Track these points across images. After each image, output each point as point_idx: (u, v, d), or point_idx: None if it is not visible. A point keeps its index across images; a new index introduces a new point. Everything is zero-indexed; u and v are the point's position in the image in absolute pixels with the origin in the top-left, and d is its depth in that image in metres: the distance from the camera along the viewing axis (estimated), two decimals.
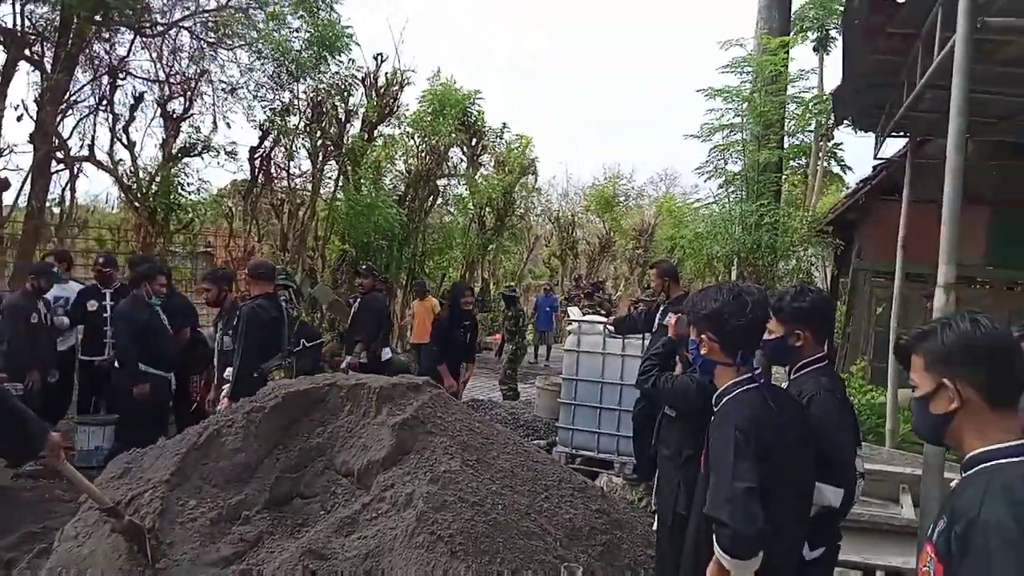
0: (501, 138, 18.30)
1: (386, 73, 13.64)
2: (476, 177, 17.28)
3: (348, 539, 3.21)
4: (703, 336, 2.37)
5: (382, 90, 13.61)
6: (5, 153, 9.70)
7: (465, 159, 17.34)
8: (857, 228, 10.25)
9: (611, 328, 6.45)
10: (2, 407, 2.64)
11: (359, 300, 7.82)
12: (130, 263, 6.89)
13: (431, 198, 15.58)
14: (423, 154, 15.21)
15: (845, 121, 8.46)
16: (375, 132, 13.89)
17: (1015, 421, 1.61)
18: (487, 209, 17.57)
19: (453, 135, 15.29)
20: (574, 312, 7.50)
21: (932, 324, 1.71)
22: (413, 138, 15.51)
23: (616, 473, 6.28)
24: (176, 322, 6.15)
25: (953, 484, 1.68)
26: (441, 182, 16.12)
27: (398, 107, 14.17)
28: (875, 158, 8.66)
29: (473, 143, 17.13)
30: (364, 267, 8.31)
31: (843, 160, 23.56)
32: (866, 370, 9.38)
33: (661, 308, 5.75)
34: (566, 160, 66.18)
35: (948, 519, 1.54)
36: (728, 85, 10.34)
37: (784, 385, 2.81)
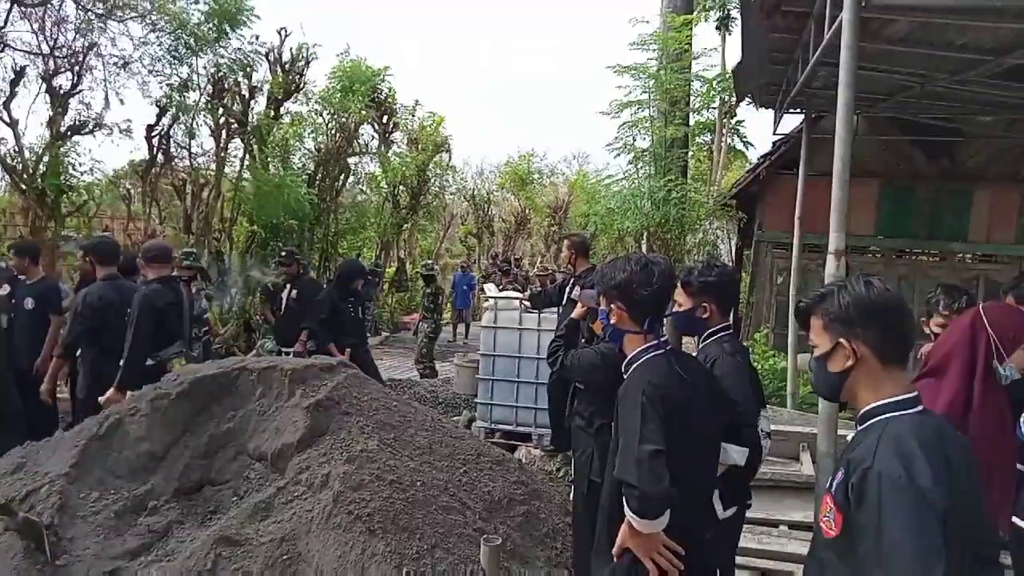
0: (413, 116, 18.07)
1: (291, 48, 13.22)
2: (389, 155, 17.01)
3: (263, 524, 3.15)
4: (612, 305, 2.43)
5: (287, 66, 13.18)
6: None
7: (376, 137, 17.03)
8: (758, 202, 10.65)
9: (527, 303, 6.52)
10: None
11: (295, 287, 7.58)
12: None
13: (342, 176, 15.25)
14: (333, 132, 14.85)
15: (746, 98, 8.76)
16: (281, 109, 13.45)
17: (905, 377, 1.72)
18: (401, 188, 17.33)
19: (363, 112, 14.98)
20: (491, 289, 7.52)
21: (829, 287, 1.80)
22: (322, 116, 15.11)
23: (534, 445, 6.39)
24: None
25: (849, 439, 1.79)
26: (352, 160, 15.81)
27: (304, 84, 13.76)
28: (774, 134, 9.02)
29: (384, 120, 16.83)
30: (285, 253, 8.00)
31: (745, 136, 24.45)
32: (769, 337, 9.83)
33: (571, 282, 5.85)
34: (479, 141, 66.06)
35: (845, 470, 1.64)
36: (636, 62, 10.51)
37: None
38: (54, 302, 5.84)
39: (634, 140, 10.47)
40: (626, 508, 2.13)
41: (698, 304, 2.90)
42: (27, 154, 10.45)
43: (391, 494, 3.18)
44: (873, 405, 1.70)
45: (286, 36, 13.08)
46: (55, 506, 3.04)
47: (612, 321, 2.44)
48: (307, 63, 13.36)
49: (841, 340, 1.72)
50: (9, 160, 10.23)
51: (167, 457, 3.43)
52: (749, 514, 3.17)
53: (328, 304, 6.56)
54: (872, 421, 1.68)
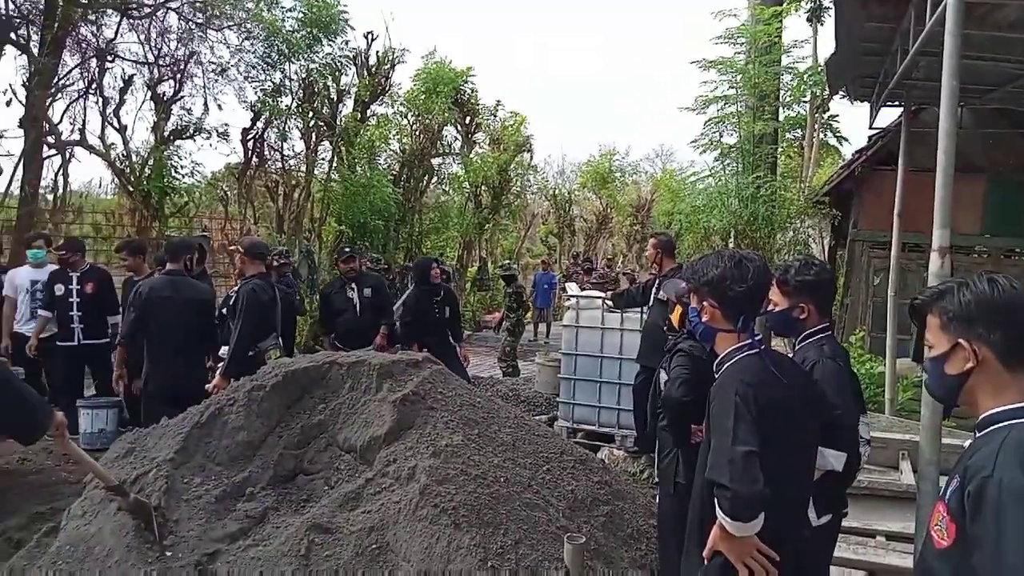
0: (495, 116, 18.21)
1: (377, 52, 13.55)
2: (471, 155, 17.20)
3: (352, 513, 3.23)
4: (704, 303, 2.37)
5: (374, 69, 13.52)
6: None
7: (459, 137, 17.25)
8: (854, 199, 10.24)
9: (609, 303, 6.47)
10: (8, 388, 2.65)
11: (365, 284, 7.29)
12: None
13: (426, 177, 15.54)
14: (417, 133, 15.13)
15: (840, 91, 8.43)
16: (368, 111, 13.81)
17: None
18: (483, 187, 17.50)
19: (447, 113, 15.20)
20: (572, 288, 7.49)
21: (949, 283, 1.69)
22: (406, 117, 15.43)
23: (617, 446, 6.33)
24: None
25: (961, 446, 1.68)
26: (436, 161, 16.07)
27: (390, 86, 14.09)
28: (870, 128, 8.65)
29: (467, 121, 17.03)
30: (347, 250, 7.58)
31: (839, 131, 23.49)
32: (865, 340, 9.43)
33: (656, 281, 5.76)
34: (562, 139, 65.96)
35: (961, 478, 1.54)
36: (722, 56, 10.28)
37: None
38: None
39: (720, 136, 10.24)
40: (718, 510, 2.08)
41: (795, 304, 2.79)
42: (134, 158, 11.09)
43: (476, 489, 3.21)
44: (994, 411, 1.58)
45: (373, 40, 13.43)
46: (162, 489, 3.21)
47: (704, 319, 2.38)
48: (392, 66, 13.68)
49: (960, 341, 1.61)
50: (118, 164, 10.88)
51: (263, 446, 3.56)
52: (845, 523, 3.05)
53: (412, 303, 6.70)
54: (992, 428, 1.57)
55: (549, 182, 25.25)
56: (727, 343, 2.34)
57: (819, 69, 10.61)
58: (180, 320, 5.20)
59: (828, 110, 19.71)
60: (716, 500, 2.09)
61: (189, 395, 4.81)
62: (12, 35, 9.83)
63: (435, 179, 16.49)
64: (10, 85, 10.00)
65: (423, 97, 15.19)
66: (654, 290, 5.65)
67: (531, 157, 19.45)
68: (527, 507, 3.30)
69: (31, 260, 6.83)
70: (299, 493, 3.49)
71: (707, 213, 10.17)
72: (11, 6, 9.87)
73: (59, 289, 6.52)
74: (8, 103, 9.85)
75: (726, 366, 2.31)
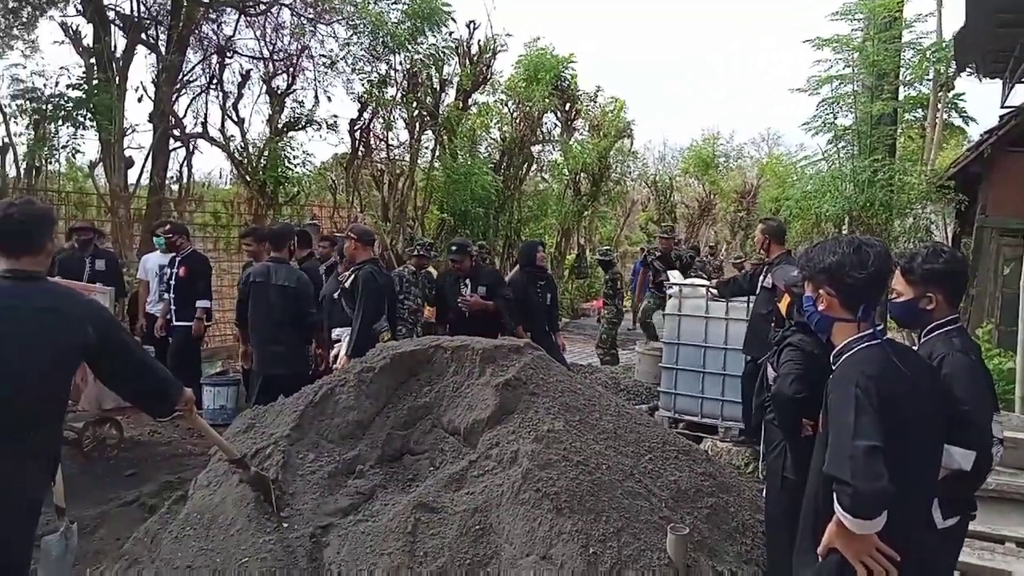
0: (595, 102, 18.03)
1: (479, 41, 13.67)
2: (571, 142, 17.12)
3: (457, 494, 3.31)
4: (820, 291, 2.27)
5: (475, 58, 13.65)
6: (128, 133, 10.34)
7: (559, 124, 17.20)
8: (982, 183, 9.52)
9: (714, 292, 6.31)
10: (143, 365, 2.86)
11: (480, 282, 6.90)
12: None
13: (526, 165, 15.59)
14: (517, 121, 15.19)
15: (968, 68, 7.86)
16: (469, 100, 13.96)
17: None
18: (582, 174, 17.40)
19: (547, 100, 15.17)
20: (675, 276, 7.35)
21: None
22: (507, 105, 15.51)
23: (721, 438, 6.19)
24: None
25: None
26: (536, 148, 16.10)
27: (491, 75, 14.18)
28: (1002, 107, 8.04)
29: (567, 108, 16.95)
30: (453, 248, 6.80)
31: (965, 111, 21.88)
32: (992, 334, 8.79)
33: (764, 269, 5.58)
34: (662, 124, 64.61)
35: None
36: (837, 34, 9.77)
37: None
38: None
39: (834, 117, 9.76)
40: (837, 506, 2.00)
41: (922, 294, 2.60)
42: (251, 149, 11.66)
43: (577, 475, 3.21)
44: None
45: (475, 29, 13.55)
46: (279, 464, 3.38)
47: (820, 308, 2.28)
48: (494, 54, 13.76)
49: None
50: (237, 155, 11.47)
51: (371, 425, 3.69)
52: (971, 527, 2.86)
53: (518, 288, 6.74)
54: None
55: (649, 168, 24.81)
56: (845, 333, 2.24)
57: (944, 44, 9.90)
58: (272, 304, 5.44)
59: (953, 88, 18.45)
60: (835, 496, 2.00)
61: (280, 376, 5.09)
62: (143, 35, 10.52)
63: (534, 166, 16.53)
64: (141, 82, 10.73)
65: (524, 85, 15.23)
66: (761, 278, 5.48)
67: (631, 143, 19.17)
68: (629, 495, 3.28)
69: (159, 246, 7.32)
70: (405, 472, 3.60)
71: (819, 198, 9.71)
72: (142, 8, 10.56)
73: (165, 271, 7.05)
74: (139, 99, 10.57)
75: (844, 357, 2.21)
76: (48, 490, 2.84)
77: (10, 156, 9.80)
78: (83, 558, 3.62)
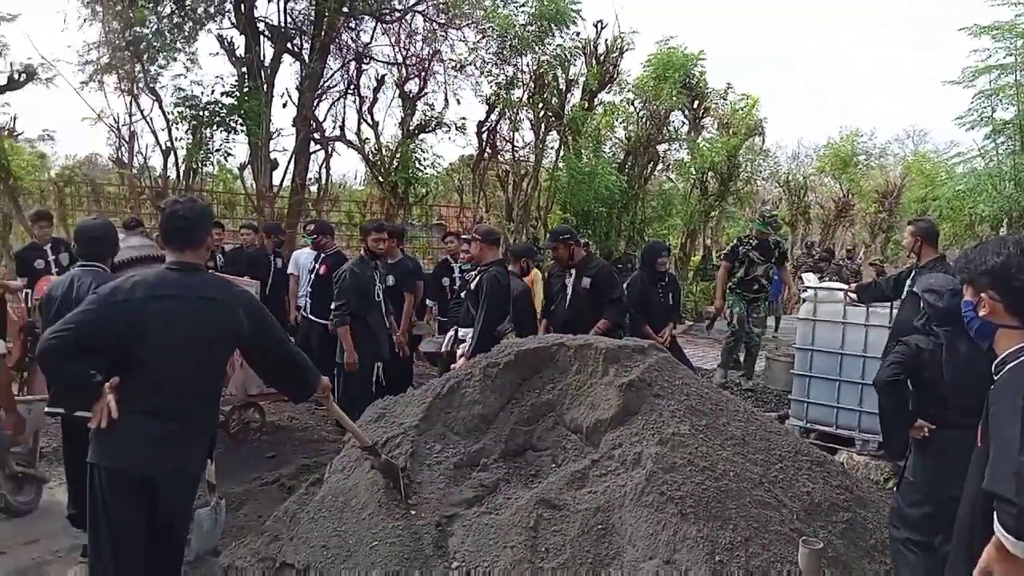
0: (725, 99, 17.47)
1: (606, 40, 13.59)
2: (698, 141, 16.69)
3: (579, 492, 3.31)
4: (983, 295, 2.10)
5: (602, 57, 13.58)
6: (274, 137, 11.05)
7: (687, 122, 16.81)
8: None
9: (853, 296, 5.97)
10: (288, 353, 3.08)
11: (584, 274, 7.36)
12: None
13: (651, 164, 15.35)
14: (643, 120, 14.98)
15: None
16: (595, 100, 13.91)
17: None
18: (710, 174, 16.91)
19: (674, 98, 14.86)
20: (809, 279, 7.00)
21: None
22: (633, 104, 15.33)
23: (858, 450, 5.85)
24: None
25: None
26: (661, 147, 15.81)
27: (618, 73, 14.07)
28: None
29: (695, 106, 16.53)
30: (556, 239, 6.43)
31: None
32: None
33: (912, 273, 5.22)
34: (797, 121, 61.84)
35: None
36: (997, 21, 8.99)
37: None
38: (409, 280, 6.77)
39: (992, 111, 8.99)
40: (997, 526, 1.84)
41: None
42: (384, 151, 12.16)
43: (703, 480, 3.14)
44: None
45: (602, 28, 13.49)
46: (407, 453, 3.51)
47: (981, 314, 2.10)
48: (621, 53, 13.64)
49: None
50: (371, 157, 12.00)
51: (496, 420, 3.75)
52: None
53: (638, 288, 6.64)
54: None
55: (781, 167, 23.78)
56: (1011, 341, 2.05)
57: None
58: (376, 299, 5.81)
59: None
60: (996, 515, 1.84)
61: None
62: (288, 45, 11.21)
63: (660, 166, 16.25)
64: (286, 89, 11.43)
65: (652, 83, 14.99)
66: (909, 282, 5.13)
67: (763, 141, 18.45)
68: (758, 505, 3.17)
69: (309, 243, 7.75)
70: (528, 468, 3.63)
71: (972, 198, 8.98)
72: (288, 19, 11.25)
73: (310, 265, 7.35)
74: (284, 105, 11.29)
75: (1009, 367, 2.03)
76: (205, 465, 3.09)
77: (171, 159, 10.70)
78: (228, 532, 3.91)
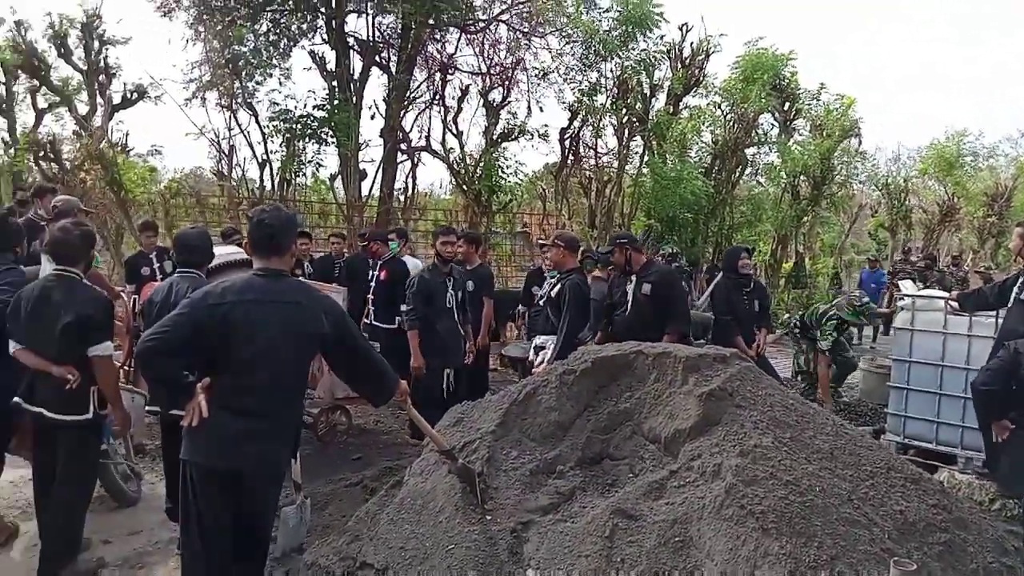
0: (818, 99, 16.86)
1: (692, 43, 13.36)
2: (789, 143, 16.16)
3: (656, 503, 3.25)
4: None
5: (687, 61, 13.36)
6: (362, 148, 11.40)
7: (776, 125, 16.32)
8: None
9: (954, 304, 5.63)
10: (367, 357, 3.18)
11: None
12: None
13: (739, 168, 14.98)
14: (731, 123, 14.64)
15: None
16: (680, 104, 13.70)
17: None
18: (801, 177, 16.33)
19: (764, 100, 14.45)
20: (907, 286, 6.65)
21: None
22: (720, 107, 15.00)
23: (960, 469, 5.50)
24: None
25: None
26: (750, 151, 15.41)
27: (704, 76, 13.81)
28: None
29: (786, 107, 16.04)
30: (612, 244, 6.29)
31: None
32: None
33: (1020, 279, 4.89)
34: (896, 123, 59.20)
35: None
36: None
37: None
38: (488, 285, 6.82)
39: None
40: None
41: None
42: (468, 160, 12.34)
43: (786, 495, 3.02)
44: None
45: (687, 31, 13.28)
46: (484, 458, 3.54)
47: None
48: (707, 56, 13.39)
49: None
50: (455, 166, 12.19)
51: (572, 427, 3.74)
52: None
53: (723, 294, 6.48)
54: None
55: (880, 169, 22.66)
56: None
57: None
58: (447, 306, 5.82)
59: None
60: None
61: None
62: (377, 58, 11.54)
63: (749, 170, 15.83)
64: (374, 101, 11.76)
65: (740, 85, 14.64)
66: (1016, 288, 4.80)
67: (859, 143, 17.69)
68: (846, 522, 3.03)
69: (392, 252, 7.93)
70: (605, 477, 3.60)
71: None
72: (376, 33, 11.60)
73: (370, 273, 7.46)
74: (372, 117, 11.63)
75: None
76: (289, 466, 3.21)
77: (267, 171, 11.19)
78: (313, 530, 4.03)
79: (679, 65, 13.33)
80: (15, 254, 4.12)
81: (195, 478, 2.83)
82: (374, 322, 7.21)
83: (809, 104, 16.69)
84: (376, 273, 7.31)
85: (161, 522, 4.22)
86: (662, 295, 5.62)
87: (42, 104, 13.95)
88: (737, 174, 15.06)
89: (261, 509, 2.97)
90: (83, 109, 12.65)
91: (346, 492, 4.77)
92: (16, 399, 3.59)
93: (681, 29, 13.26)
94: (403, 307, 6.07)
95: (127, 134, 11.62)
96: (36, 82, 13.19)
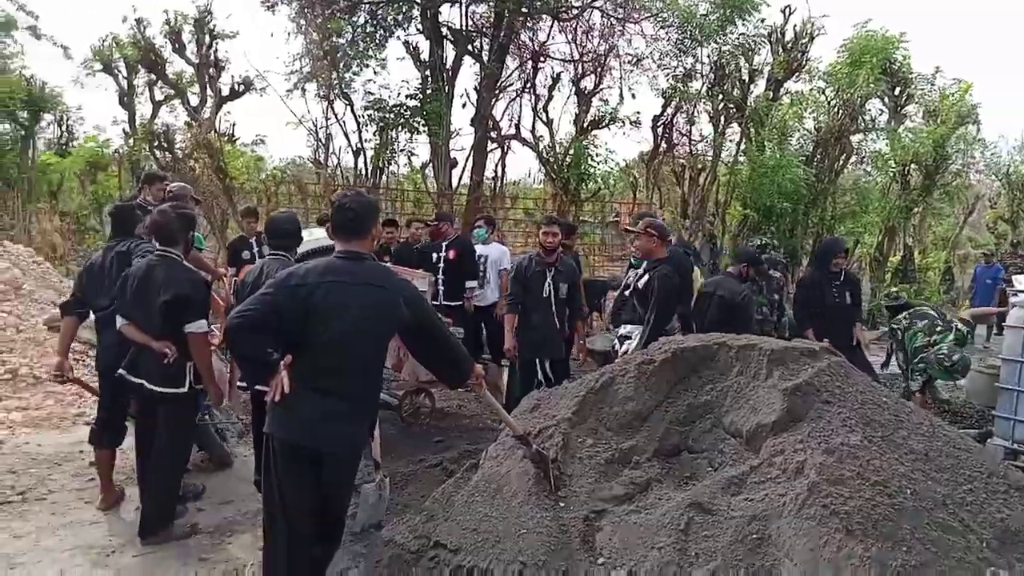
0: (932, 84, 15.84)
1: (795, 26, 12.82)
2: (899, 130, 15.27)
3: (735, 498, 3.16)
4: None
5: (789, 45, 12.83)
6: (453, 136, 11.55)
7: (886, 111, 15.45)
8: None
9: None
10: (444, 339, 3.24)
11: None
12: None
13: (844, 156, 14.28)
14: (835, 109, 13.97)
15: None
16: (781, 90, 13.19)
17: None
18: (912, 166, 15.40)
19: (872, 85, 13.69)
20: (1021, 280, 6.17)
21: None
22: (824, 93, 14.34)
23: None
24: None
25: None
26: (856, 138, 14.66)
27: (807, 61, 13.23)
28: None
29: (896, 92, 15.15)
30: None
31: None
32: None
33: None
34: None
35: None
36: None
37: None
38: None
39: None
40: None
41: None
42: (558, 148, 12.30)
43: (874, 496, 2.88)
44: None
45: (790, 14, 12.75)
46: (559, 445, 3.53)
47: None
48: (811, 39, 12.83)
49: None
50: (544, 154, 12.18)
51: (649, 418, 3.67)
52: None
53: (808, 287, 6.23)
54: None
55: (1002, 158, 21.10)
56: None
57: None
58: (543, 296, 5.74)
59: None
60: None
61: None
62: (469, 47, 11.65)
63: (854, 158, 15.06)
64: (465, 90, 11.90)
65: (846, 69, 13.93)
66: None
67: (977, 130, 16.54)
68: (939, 528, 2.86)
69: (476, 239, 8.03)
70: (682, 469, 3.52)
71: None
72: (470, 23, 11.70)
73: (433, 256, 7.49)
74: (463, 106, 11.75)
75: None
76: (367, 443, 3.31)
77: (361, 159, 11.51)
78: (392, 508, 4.15)
79: (780, 49, 12.82)
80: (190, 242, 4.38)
81: (277, 451, 2.96)
82: (444, 301, 7.27)
83: (922, 89, 15.71)
84: (443, 254, 7.40)
85: (251, 493, 4.43)
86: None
87: (158, 96, 14.84)
88: (841, 162, 14.37)
89: (339, 485, 3.07)
90: (194, 101, 13.38)
91: (426, 473, 4.88)
92: (120, 371, 3.85)
93: (783, 12, 12.77)
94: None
95: (233, 124, 12.20)
96: (153, 76, 14.02)
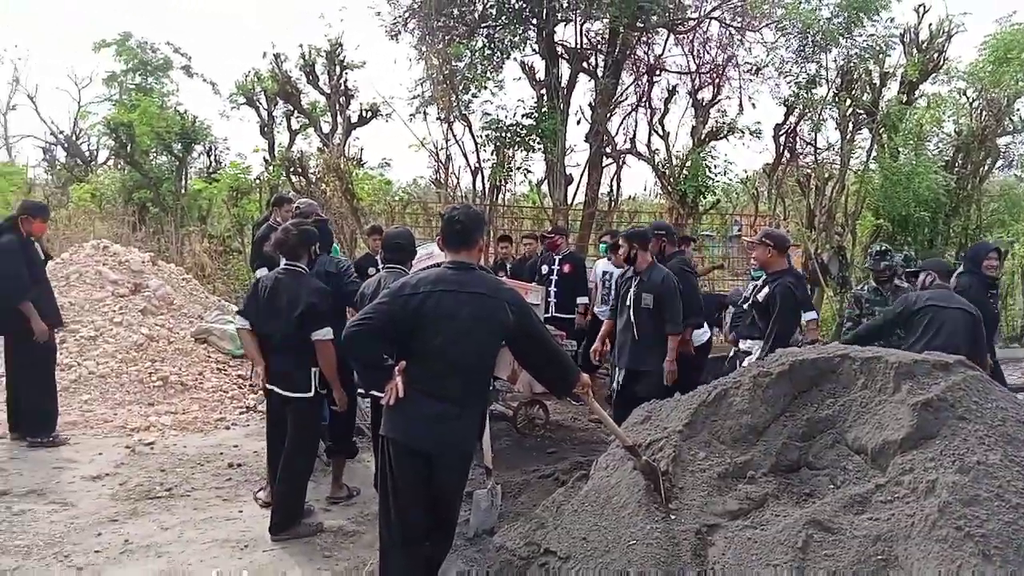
0: None
1: (930, 24, 12.06)
2: None
3: (858, 517, 3.02)
4: None
5: (924, 45, 12.08)
6: (568, 153, 11.65)
7: None
8: None
9: None
10: (550, 349, 3.29)
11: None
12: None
13: (989, 161, 13.25)
14: (979, 111, 13.00)
15: None
16: (916, 92, 12.42)
17: None
18: None
19: (1020, 83, 12.65)
20: None
21: None
22: (965, 94, 13.39)
23: None
24: None
25: None
26: (1003, 140, 13.56)
27: (944, 61, 12.39)
28: None
29: None
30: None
31: None
32: None
33: None
34: None
35: None
36: None
37: None
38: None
39: None
40: None
41: None
42: (674, 161, 12.13)
43: (1014, 519, 2.67)
44: None
45: (924, 12, 12.01)
46: (670, 457, 3.49)
47: None
48: (948, 38, 12.02)
49: None
50: (660, 167, 12.04)
51: (766, 432, 3.56)
52: None
53: (969, 295, 5.81)
54: None
55: None
56: None
57: None
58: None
59: None
60: None
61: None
62: (584, 65, 11.74)
63: (1000, 162, 13.93)
64: (580, 107, 11.96)
65: (990, 67, 12.95)
66: None
67: None
68: None
69: (601, 253, 8.09)
70: (801, 486, 3.39)
71: None
72: (584, 41, 11.80)
73: (544, 268, 7.64)
74: (578, 122, 11.83)
75: None
76: (476, 448, 3.41)
77: (479, 178, 11.82)
78: (505, 516, 4.22)
79: (915, 50, 12.08)
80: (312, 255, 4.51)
81: (392, 453, 3.11)
82: (555, 314, 7.41)
83: None
84: (557, 267, 7.58)
85: (373, 496, 4.63)
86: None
87: (295, 126, 15.83)
88: (986, 167, 13.33)
89: (449, 485, 3.18)
90: (326, 128, 14.16)
91: (539, 483, 4.92)
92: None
93: (917, 11, 12.02)
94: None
95: (361, 149, 12.83)
96: (290, 107, 14.96)
